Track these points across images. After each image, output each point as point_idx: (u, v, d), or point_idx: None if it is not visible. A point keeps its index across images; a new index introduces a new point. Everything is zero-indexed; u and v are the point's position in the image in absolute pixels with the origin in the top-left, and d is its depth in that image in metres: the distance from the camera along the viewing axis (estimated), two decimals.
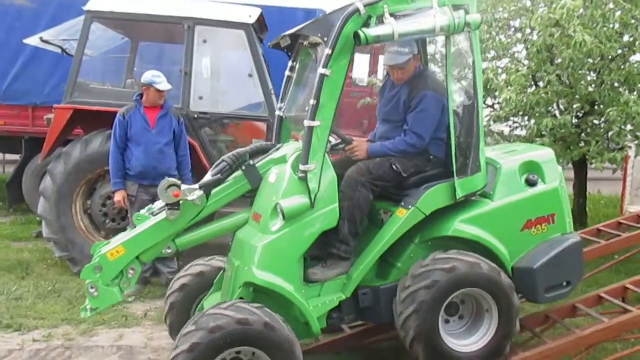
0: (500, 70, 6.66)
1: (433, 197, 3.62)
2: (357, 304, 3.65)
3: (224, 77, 6.98)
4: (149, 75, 5.39)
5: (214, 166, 3.78)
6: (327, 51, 3.27)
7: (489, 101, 7.23)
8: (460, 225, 3.66)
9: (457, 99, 3.88)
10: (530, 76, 6.52)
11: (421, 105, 3.72)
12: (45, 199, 6.05)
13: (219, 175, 3.66)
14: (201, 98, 6.32)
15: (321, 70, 3.30)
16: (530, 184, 3.83)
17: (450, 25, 3.38)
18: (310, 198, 3.37)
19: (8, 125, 8.32)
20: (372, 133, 4.18)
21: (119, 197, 5.41)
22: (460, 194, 3.63)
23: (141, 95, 5.49)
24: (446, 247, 3.64)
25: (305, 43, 4.00)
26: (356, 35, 3.23)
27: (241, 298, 3.41)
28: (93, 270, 3.52)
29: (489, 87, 6.59)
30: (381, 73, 9.65)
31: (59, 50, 7.46)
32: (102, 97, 6.39)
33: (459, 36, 3.62)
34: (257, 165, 3.80)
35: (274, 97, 6.08)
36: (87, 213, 6.20)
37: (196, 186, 3.59)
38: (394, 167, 3.70)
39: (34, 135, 8.18)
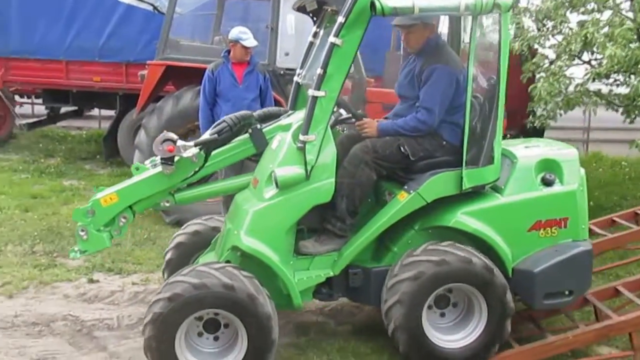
0: (601, 24, 6.23)
1: (437, 184, 3.46)
2: (348, 283, 3.58)
3: (309, 33, 6.94)
4: (235, 32, 5.46)
5: (213, 125, 3.69)
6: (340, 19, 3.13)
7: (585, 56, 6.81)
8: (463, 217, 3.49)
9: (478, 83, 3.65)
10: (636, 29, 6.05)
11: (431, 78, 3.52)
12: (140, 152, 6.34)
13: (216, 135, 3.57)
14: (287, 54, 6.35)
15: (331, 39, 3.16)
16: (546, 183, 3.59)
17: (477, 5, 3.17)
18: (306, 169, 3.27)
19: (104, 82, 8.74)
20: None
21: None
22: (466, 185, 3.45)
23: (229, 52, 5.58)
24: (446, 237, 3.50)
25: (330, 9, 3.84)
26: (372, 5, 3.06)
27: (227, 261, 3.40)
28: (85, 214, 3.49)
29: (587, 41, 6.20)
30: None
31: (150, 8, 7.68)
32: (191, 53, 6.55)
33: (488, 17, 3.39)
34: (264, 130, 3.72)
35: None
36: None
37: (191, 143, 3.53)
38: (402, 149, 3.53)
39: (128, 92, 8.54)
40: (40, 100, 10.11)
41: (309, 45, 4.01)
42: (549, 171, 3.63)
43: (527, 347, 3.47)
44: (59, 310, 4.26)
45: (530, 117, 6.96)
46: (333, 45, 3.15)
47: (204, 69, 5.62)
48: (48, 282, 4.72)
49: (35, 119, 10.48)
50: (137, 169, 3.69)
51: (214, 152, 3.63)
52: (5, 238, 5.59)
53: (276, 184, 3.28)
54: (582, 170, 3.75)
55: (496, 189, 3.63)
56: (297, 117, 3.69)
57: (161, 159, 3.47)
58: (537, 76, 6.67)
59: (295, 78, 4.01)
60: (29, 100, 10.97)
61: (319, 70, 3.21)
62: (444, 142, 3.61)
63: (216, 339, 3.33)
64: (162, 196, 3.64)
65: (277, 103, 5.96)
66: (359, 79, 6.37)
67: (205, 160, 3.57)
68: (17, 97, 10.28)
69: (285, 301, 3.44)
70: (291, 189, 3.30)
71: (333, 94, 3.24)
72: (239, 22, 6.25)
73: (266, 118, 3.88)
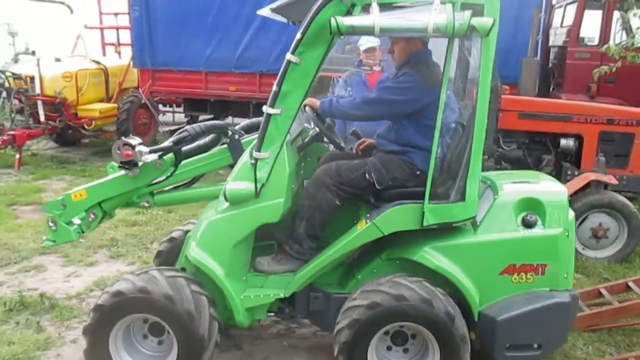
0: None
1: (396, 217, 3.20)
2: (309, 305, 3.49)
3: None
4: (363, 40, 5.48)
5: (176, 133, 3.69)
6: (298, 35, 2.97)
7: None
8: (428, 252, 3.23)
9: (456, 112, 3.33)
10: None
11: (394, 78, 3.35)
12: None
13: (172, 144, 3.59)
14: None
15: (287, 55, 3.01)
16: (527, 224, 3.25)
17: (448, 27, 2.74)
18: (256, 186, 3.17)
19: (239, 91, 9.20)
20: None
21: None
22: (429, 221, 3.15)
23: (361, 61, 5.62)
24: (412, 271, 3.27)
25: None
26: (329, 23, 2.84)
27: (183, 269, 3.41)
28: (57, 206, 3.63)
29: None
30: (615, 34, 8.54)
31: (285, 20, 7.93)
32: (325, 63, 6.67)
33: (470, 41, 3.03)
34: (243, 141, 3.72)
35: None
36: None
37: (148, 149, 3.53)
38: (367, 176, 3.32)
39: (260, 101, 8.91)
40: (180, 109, 10.85)
41: None
42: (531, 211, 3.29)
43: None
44: None
45: None
46: (289, 62, 3.03)
47: (337, 78, 5.70)
48: None
49: (176, 127, 11.27)
50: (112, 168, 3.82)
51: (192, 159, 3.75)
52: (151, 236, 6.02)
53: (225, 197, 3.26)
54: (572, 213, 3.35)
55: (473, 225, 3.33)
56: None
57: (120, 162, 3.58)
58: None
59: None
60: (171, 109, 11.82)
61: (274, 87, 3.10)
62: (418, 172, 3.33)
63: (160, 343, 3.37)
64: (130, 196, 3.77)
65: None
66: (494, 86, 6.13)
67: (176, 167, 3.67)
68: (160, 106, 11.14)
69: (231, 317, 3.38)
70: (241, 204, 3.24)
71: (290, 112, 3.13)
72: None
73: (251, 129, 3.92)
